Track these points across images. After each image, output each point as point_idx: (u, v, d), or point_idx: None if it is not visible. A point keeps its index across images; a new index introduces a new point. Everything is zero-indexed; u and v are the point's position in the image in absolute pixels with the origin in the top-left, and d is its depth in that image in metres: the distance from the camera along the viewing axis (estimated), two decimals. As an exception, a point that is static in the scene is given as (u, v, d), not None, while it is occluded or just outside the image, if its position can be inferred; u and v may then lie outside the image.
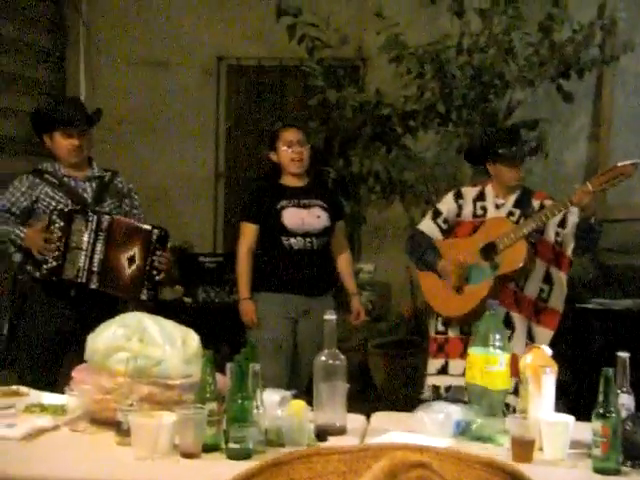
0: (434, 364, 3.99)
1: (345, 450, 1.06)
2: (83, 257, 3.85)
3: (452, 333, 3.95)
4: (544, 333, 3.87)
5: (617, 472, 2.36)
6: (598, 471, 2.37)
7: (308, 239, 4.26)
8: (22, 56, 6.46)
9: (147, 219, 4.16)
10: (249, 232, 4.35)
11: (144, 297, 3.91)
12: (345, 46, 6.11)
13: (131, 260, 3.90)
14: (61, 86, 6.96)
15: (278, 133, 4.40)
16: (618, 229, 6.25)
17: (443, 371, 3.91)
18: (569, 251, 3.85)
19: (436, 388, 3.90)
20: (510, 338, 3.75)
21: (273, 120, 6.27)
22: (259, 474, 1.05)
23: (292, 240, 4.25)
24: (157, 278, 3.94)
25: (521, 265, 3.79)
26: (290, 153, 4.33)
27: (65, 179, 4.01)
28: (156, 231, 3.95)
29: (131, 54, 7.01)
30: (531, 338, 3.85)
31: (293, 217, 4.26)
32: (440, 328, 4.01)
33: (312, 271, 4.27)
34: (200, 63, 7.05)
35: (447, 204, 4.08)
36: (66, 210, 3.88)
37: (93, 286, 3.86)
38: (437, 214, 4.09)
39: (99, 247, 3.87)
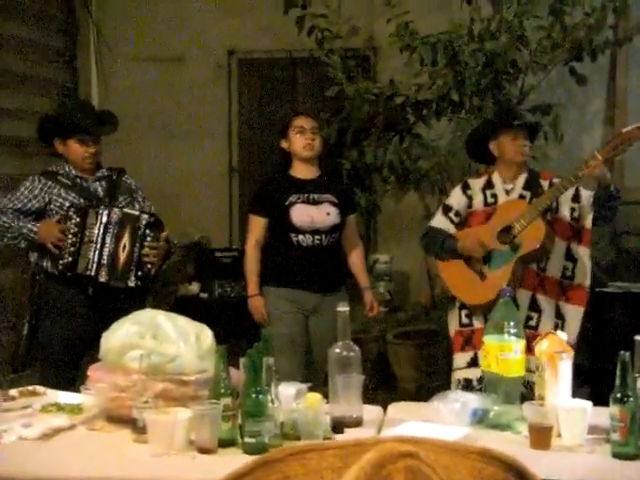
0: (462, 357, 3.94)
1: (340, 445, 1.04)
2: (93, 250, 3.87)
3: (477, 324, 3.90)
4: (574, 310, 3.83)
5: (636, 457, 2.34)
6: (617, 456, 2.35)
7: (317, 236, 4.21)
8: (33, 56, 6.47)
9: (162, 216, 4.16)
10: (257, 226, 4.32)
11: (131, 284, 3.90)
12: (355, 36, 6.09)
13: (124, 247, 3.91)
14: (73, 86, 6.97)
15: (290, 120, 4.36)
16: (636, 212, 6.20)
17: (473, 363, 3.85)
18: (588, 224, 3.81)
19: (468, 381, 3.85)
20: (539, 320, 3.74)
21: (285, 113, 6.27)
22: (251, 472, 1.04)
23: (300, 237, 4.20)
24: (148, 267, 3.93)
25: (541, 242, 3.75)
26: (302, 139, 4.29)
27: (77, 180, 4.02)
28: (144, 216, 3.95)
29: (142, 51, 7.01)
30: (560, 317, 3.81)
31: (302, 215, 4.20)
32: (465, 320, 3.96)
33: (322, 268, 4.22)
34: (211, 58, 7.04)
35: (456, 197, 4.05)
36: (82, 205, 3.90)
37: (102, 279, 3.87)
38: (447, 209, 4.06)
39: (108, 241, 3.89)
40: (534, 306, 3.79)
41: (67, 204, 3.93)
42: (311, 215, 4.21)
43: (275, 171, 4.50)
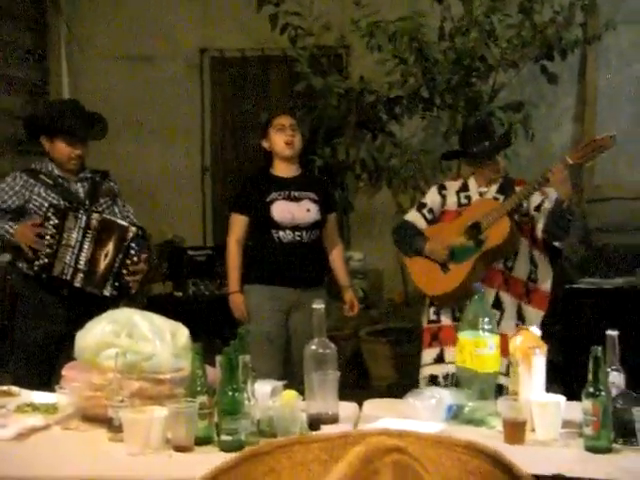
0: (429, 354, 3.96)
1: (326, 438, 1.05)
2: (70, 254, 3.84)
3: (445, 321, 3.94)
4: (535, 313, 3.88)
5: (609, 450, 2.37)
6: (590, 450, 2.38)
7: (297, 232, 4.24)
8: (3, 55, 6.42)
9: (135, 215, 4.15)
10: (238, 223, 4.34)
11: (106, 293, 3.87)
12: (328, 34, 6.11)
13: (106, 255, 3.89)
14: (43, 84, 6.92)
15: (270, 119, 4.39)
16: (606, 208, 6.27)
17: (439, 360, 3.89)
18: (538, 234, 3.84)
19: (434, 377, 3.88)
20: (500, 319, 3.76)
21: (258, 111, 6.26)
22: (239, 465, 1.05)
23: (281, 233, 4.23)
24: (127, 278, 3.91)
25: (504, 240, 3.79)
26: (282, 137, 4.30)
27: (59, 180, 3.99)
28: (133, 229, 3.93)
29: (113, 49, 6.97)
30: (521, 318, 3.85)
31: (283, 211, 4.24)
32: (432, 317, 3.99)
33: (302, 264, 4.25)
34: (183, 56, 7.02)
35: (431, 196, 4.10)
36: (62, 207, 3.87)
37: (77, 284, 3.85)
38: (422, 205, 4.11)
39: (86, 246, 3.86)
40: (497, 304, 3.82)
41: (46, 204, 3.89)
42: (292, 211, 4.24)
43: (254, 169, 4.52)
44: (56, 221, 3.83)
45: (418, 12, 5.46)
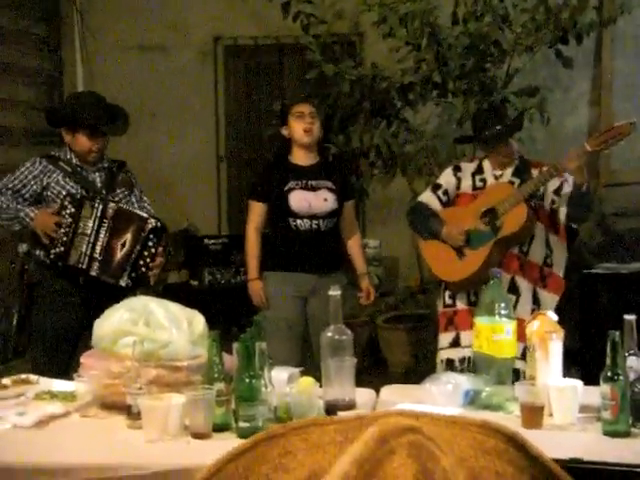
0: (445, 338, 3.98)
1: (340, 420, 1.05)
2: (86, 243, 3.86)
3: (460, 305, 3.95)
4: (550, 298, 3.87)
5: (627, 434, 2.37)
6: (608, 434, 2.37)
7: (315, 221, 4.26)
8: (18, 45, 6.45)
9: (151, 205, 4.16)
10: (257, 211, 4.35)
11: (122, 283, 3.87)
12: (340, 21, 6.08)
13: (123, 245, 3.90)
14: (58, 74, 6.94)
15: (289, 107, 4.39)
16: (623, 193, 6.24)
17: (455, 344, 3.90)
18: (562, 218, 3.84)
19: (450, 361, 3.89)
20: (516, 303, 3.76)
21: (272, 99, 6.26)
22: (254, 447, 1.05)
23: (299, 221, 4.25)
24: (143, 270, 3.93)
25: (520, 227, 3.78)
26: (301, 124, 4.31)
27: (78, 168, 4.00)
28: (152, 221, 3.95)
29: (127, 39, 6.98)
30: (537, 303, 3.84)
31: (300, 200, 4.25)
32: (448, 301, 4.00)
33: (319, 251, 4.26)
34: (197, 45, 7.02)
35: (446, 177, 4.08)
36: (78, 196, 3.89)
37: (93, 273, 3.86)
38: (437, 187, 4.09)
39: (102, 234, 3.87)
40: (513, 289, 3.82)
41: (64, 192, 3.90)
42: (309, 201, 4.25)
43: (270, 156, 4.52)
44: (72, 210, 3.84)
45: None
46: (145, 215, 3.97)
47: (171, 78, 6.97)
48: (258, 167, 4.65)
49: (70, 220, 3.84)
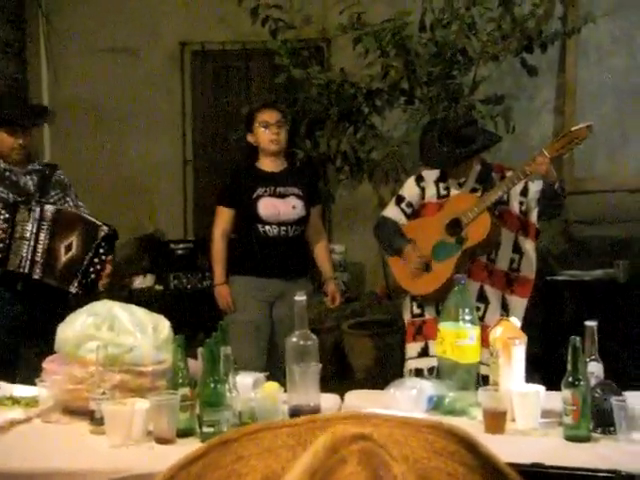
0: (414, 347, 3.96)
1: (293, 423, 1.05)
2: (26, 247, 3.81)
3: (428, 314, 3.93)
4: (518, 302, 3.88)
5: (588, 439, 2.39)
6: (570, 439, 2.40)
7: (283, 227, 4.26)
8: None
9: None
10: (224, 216, 4.34)
11: (73, 290, 3.86)
12: (308, 27, 6.10)
13: (68, 248, 3.87)
14: (22, 78, 6.88)
15: (255, 114, 4.36)
16: (586, 201, 6.30)
17: (424, 353, 3.88)
18: (533, 218, 3.86)
19: (419, 371, 3.88)
20: (485, 311, 3.78)
21: (239, 104, 6.25)
22: (207, 454, 1.05)
23: (267, 227, 4.25)
24: (92, 277, 3.91)
25: (485, 236, 3.79)
26: (268, 134, 4.30)
27: (7, 173, 3.95)
28: (105, 228, 3.93)
29: (93, 42, 6.94)
30: (505, 309, 3.86)
31: (268, 208, 4.25)
32: (416, 311, 3.99)
33: (287, 256, 4.27)
34: (164, 49, 7.00)
35: (409, 189, 4.06)
36: (10, 201, 3.84)
37: (36, 276, 3.82)
38: (400, 199, 4.06)
39: (42, 237, 3.83)
40: (481, 297, 3.83)
41: None
42: (278, 208, 4.26)
43: (237, 162, 4.51)
44: (6, 215, 3.80)
45: (402, 11, 5.45)
46: (97, 222, 3.94)
47: (138, 82, 6.94)
48: (225, 171, 4.63)
49: (5, 226, 3.79)
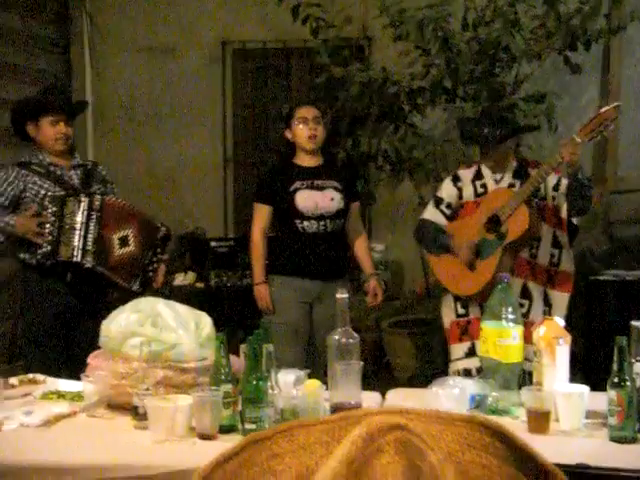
0: (460, 348, 3.95)
1: (326, 420, 1.06)
2: (77, 236, 3.87)
3: (473, 314, 3.92)
4: (560, 297, 3.85)
5: (634, 440, 2.37)
6: (615, 440, 2.38)
7: (322, 222, 4.23)
8: (27, 47, 6.45)
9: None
10: (262, 213, 4.33)
11: (134, 288, 3.95)
12: (349, 26, 6.08)
13: (123, 241, 3.93)
14: (67, 76, 6.96)
15: (293, 111, 4.37)
16: (629, 200, 6.23)
17: (471, 353, 3.87)
18: (563, 213, 3.83)
19: (467, 371, 3.86)
20: (529, 308, 3.75)
21: (280, 103, 6.27)
22: (242, 451, 1.06)
23: (305, 223, 4.22)
24: (150, 275, 4.04)
25: (525, 229, 3.76)
26: (305, 130, 4.30)
27: (51, 168, 4.01)
28: (163, 229, 4.09)
29: (136, 42, 7.00)
30: (548, 304, 3.83)
31: (306, 200, 4.23)
32: (461, 311, 3.97)
33: (326, 255, 4.24)
34: (205, 48, 7.03)
35: (446, 190, 4.05)
36: (58, 195, 3.90)
37: (88, 265, 3.88)
38: (439, 201, 4.05)
39: (92, 226, 3.90)
40: (525, 294, 3.81)
41: (42, 192, 3.92)
42: (315, 200, 4.23)
43: (276, 160, 4.51)
44: (54, 209, 3.86)
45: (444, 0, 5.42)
46: (157, 223, 4.08)
47: (179, 80, 6.99)
48: (264, 169, 4.64)
49: (53, 219, 3.85)
